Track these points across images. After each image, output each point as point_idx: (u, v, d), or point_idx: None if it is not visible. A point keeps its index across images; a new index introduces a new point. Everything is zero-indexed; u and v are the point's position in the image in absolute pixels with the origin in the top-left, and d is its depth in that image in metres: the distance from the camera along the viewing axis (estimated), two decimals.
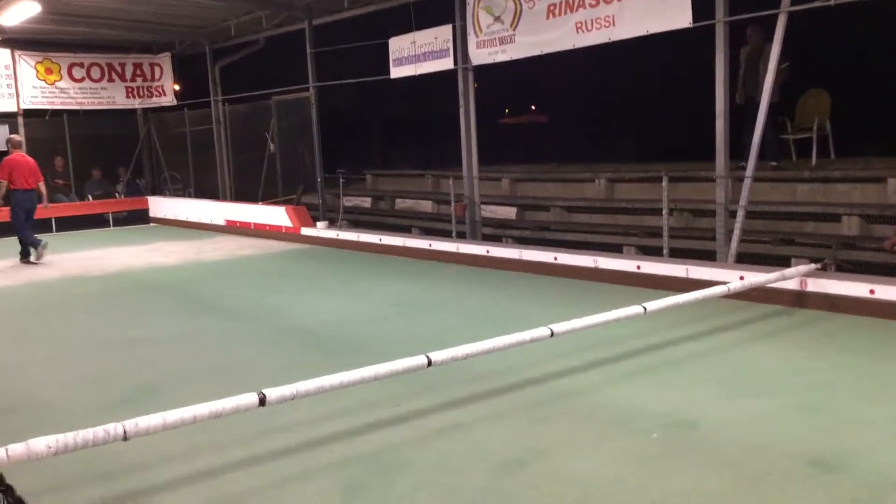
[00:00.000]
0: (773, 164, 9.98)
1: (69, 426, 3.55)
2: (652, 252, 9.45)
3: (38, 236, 12.24)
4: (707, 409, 4.59)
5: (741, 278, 7.05)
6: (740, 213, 8.12)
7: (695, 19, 8.21)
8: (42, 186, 12.34)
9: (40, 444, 3.26)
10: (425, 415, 4.66)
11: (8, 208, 12.33)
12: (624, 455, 3.96)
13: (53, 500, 3.60)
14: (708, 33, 8.31)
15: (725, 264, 7.97)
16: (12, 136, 12.55)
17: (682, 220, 10.40)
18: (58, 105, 16.80)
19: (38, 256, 12.04)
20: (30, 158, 12.30)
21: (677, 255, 8.79)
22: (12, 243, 12.47)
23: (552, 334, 5.05)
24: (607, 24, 9.00)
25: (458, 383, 5.13)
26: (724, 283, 6.77)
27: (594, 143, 23.55)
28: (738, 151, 8.69)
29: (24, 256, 12.19)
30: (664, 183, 8.70)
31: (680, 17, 8.30)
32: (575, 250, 9.52)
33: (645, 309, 5.58)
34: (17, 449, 3.20)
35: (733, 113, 8.54)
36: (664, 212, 8.76)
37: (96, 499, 3.69)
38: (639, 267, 8.37)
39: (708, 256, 8.59)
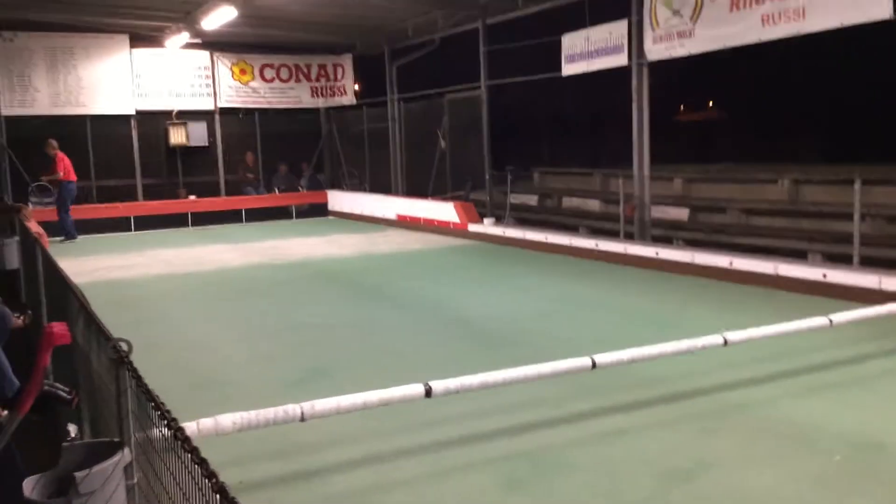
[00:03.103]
0: None
1: (250, 403, 3.81)
2: (840, 260, 8.79)
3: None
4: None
5: None
6: None
7: None
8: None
9: (227, 420, 3.52)
10: (588, 417, 4.60)
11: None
12: (802, 474, 3.73)
13: (236, 473, 3.86)
14: None
15: None
16: (52, 140, 14.62)
17: (876, 226, 9.60)
18: (250, 104, 18.04)
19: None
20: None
21: (869, 264, 8.12)
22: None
23: (725, 343, 4.84)
24: (797, 17, 8.46)
25: (622, 387, 5.02)
26: None
27: (776, 141, 22.23)
28: None
29: (68, 237, 14.48)
30: (857, 186, 8.07)
31: (877, 9, 7.64)
32: (753, 255, 9.03)
33: (831, 321, 5.21)
34: (206, 423, 3.48)
35: None
36: (856, 217, 8.13)
37: (274, 475, 3.94)
38: (825, 275, 7.81)
39: None
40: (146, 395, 2.02)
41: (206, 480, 1.48)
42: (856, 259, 8.08)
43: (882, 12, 7.62)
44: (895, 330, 6.15)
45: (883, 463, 3.85)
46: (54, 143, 14.54)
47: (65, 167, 14.36)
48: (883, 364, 5.49)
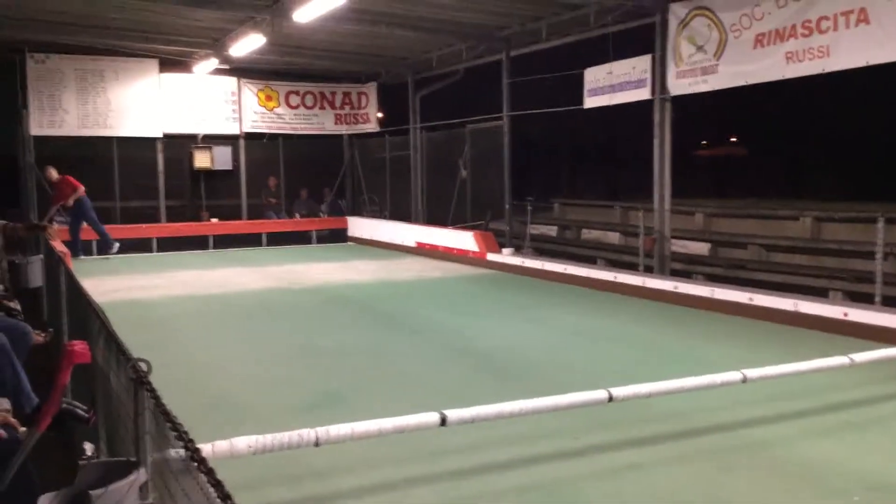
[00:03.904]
0: None
1: (264, 425, 3.83)
2: (861, 299, 8.71)
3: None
4: None
5: None
6: None
7: None
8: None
9: (242, 443, 3.54)
10: (603, 451, 4.56)
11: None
12: None
13: (249, 497, 3.85)
14: None
15: None
16: (50, 167, 14.83)
17: None
18: (275, 129, 18.24)
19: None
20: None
21: (891, 303, 8.04)
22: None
23: (744, 379, 4.80)
24: (821, 55, 8.47)
25: (638, 421, 4.98)
26: None
27: (798, 178, 22.15)
28: None
29: (110, 248, 14.71)
30: (879, 224, 8.01)
31: None
32: (773, 292, 8.97)
33: (851, 360, 5.16)
34: (221, 446, 3.49)
35: None
36: (878, 256, 8.06)
37: (287, 499, 3.93)
38: (846, 314, 7.73)
39: None
40: (164, 415, 2.05)
41: (222, 503, 1.49)
42: (877, 298, 8.00)
43: None
44: None
45: None
46: (53, 169, 14.74)
47: (76, 185, 14.47)
48: None
